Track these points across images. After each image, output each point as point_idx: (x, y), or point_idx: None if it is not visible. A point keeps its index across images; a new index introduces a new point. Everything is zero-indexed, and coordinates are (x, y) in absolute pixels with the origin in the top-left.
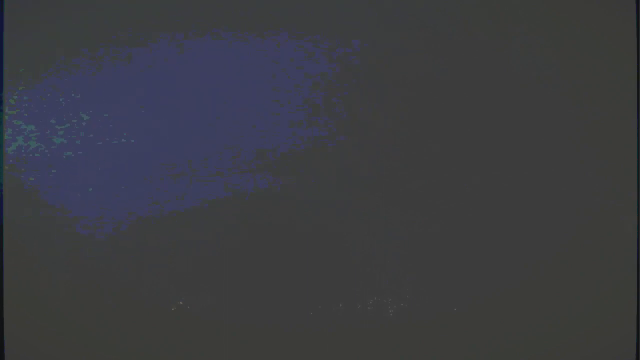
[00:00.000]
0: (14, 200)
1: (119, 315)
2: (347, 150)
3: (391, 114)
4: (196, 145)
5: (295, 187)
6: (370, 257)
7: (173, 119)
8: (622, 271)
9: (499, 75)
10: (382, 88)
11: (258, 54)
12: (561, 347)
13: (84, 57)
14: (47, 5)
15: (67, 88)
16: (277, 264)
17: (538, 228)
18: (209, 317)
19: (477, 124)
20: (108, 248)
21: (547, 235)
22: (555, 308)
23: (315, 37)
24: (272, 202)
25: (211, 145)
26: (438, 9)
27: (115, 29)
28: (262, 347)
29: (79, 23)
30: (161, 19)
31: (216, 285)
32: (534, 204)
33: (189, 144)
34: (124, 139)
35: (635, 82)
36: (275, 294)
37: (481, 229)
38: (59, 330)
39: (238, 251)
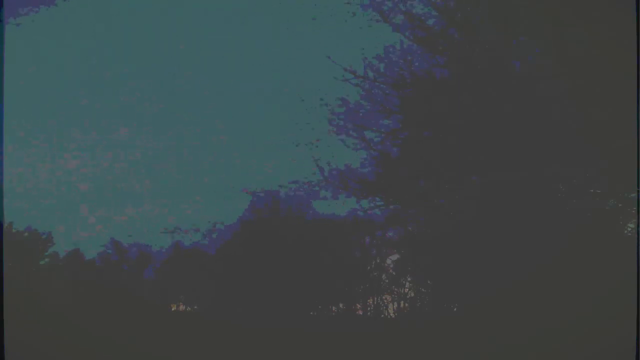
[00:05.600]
0: (14, 203)
1: (119, 315)
2: (347, 151)
3: (390, 115)
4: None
5: (294, 189)
6: (370, 257)
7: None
8: (622, 271)
9: (499, 75)
10: (381, 88)
11: None
12: (561, 347)
13: None
14: None
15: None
16: (276, 265)
17: (538, 228)
18: (209, 317)
19: (477, 124)
20: (108, 250)
21: (548, 235)
22: (556, 308)
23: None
24: (271, 205)
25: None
26: (437, 9)
27: None
28: (262, 347)
29: None
30: None
31: (216, 286)
32: (534, 204)
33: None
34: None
35: (635, 82)
36: (276, 295)
37: (481, 229)
38: (59, 331)
39: (238, 252)
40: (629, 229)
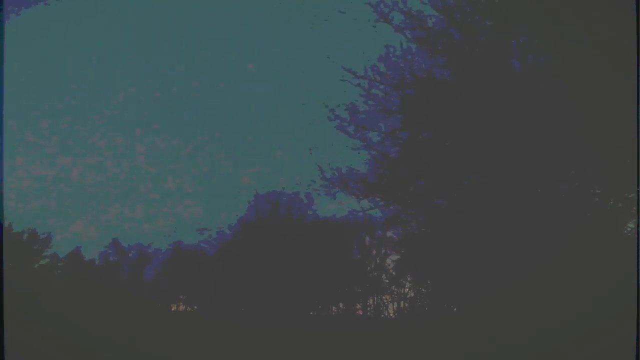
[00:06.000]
0: (14, 204)
1: (119, 315)
2: (348, 152)
3: (391, 115)
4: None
5: (293, 189)
6: (370, 257)
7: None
8: (622, 271)
9: (499, 75)
10: (381, 89)
11: None
12: (561, 347)
13: None
14: None
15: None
16: (276, 265)
17: (538, 228)
18: (209, 317)
19: (477, 124)
20: (108, 250)
21: (548, 235)
22: (556, 308)
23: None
24: (270, 203)
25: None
26: (437, 9)
27: None
28: (262, 347)
29: None
30: None
31: (216, 286)
32: (534, 204)
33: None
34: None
35: (635, 82)
36: (276, 295)
37: (481, 229)
38: (59, 331)
39: (239, 253)
40: (629, 229)
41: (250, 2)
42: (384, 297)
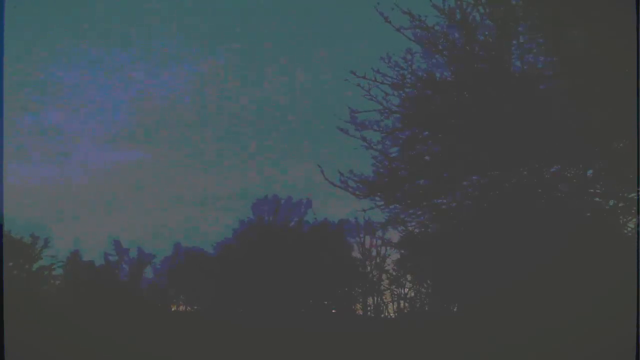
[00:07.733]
0: (15, 205)
1: (119, 315)
2: (348, 152)
3: (391, 115)
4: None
5: (294, 189)
6: (370, 257)
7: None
8: (622, 271)
9: (499, 76)
10: (381, 88)
11: None
12: (561, 347)
13: None
14: None
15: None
16: (277, 266)
17: (538, 228)
18: (209, 317)
19: (477, 124)
20: (107, 250)
21: (548, 235)
22: (556, 308)
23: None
24: (270, 202)
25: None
26: (438, 9)
27: None
28: (262, 347)
29: None
30: None
31: (216, 286)
32: (534, 204)
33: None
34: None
35: (635, 82)
36: (276, 295)
37: (481, 229)
38: (59, 331)
39: (239, 253)
40: (629, 229)
41: (251, 2)
42: (383, 297)
